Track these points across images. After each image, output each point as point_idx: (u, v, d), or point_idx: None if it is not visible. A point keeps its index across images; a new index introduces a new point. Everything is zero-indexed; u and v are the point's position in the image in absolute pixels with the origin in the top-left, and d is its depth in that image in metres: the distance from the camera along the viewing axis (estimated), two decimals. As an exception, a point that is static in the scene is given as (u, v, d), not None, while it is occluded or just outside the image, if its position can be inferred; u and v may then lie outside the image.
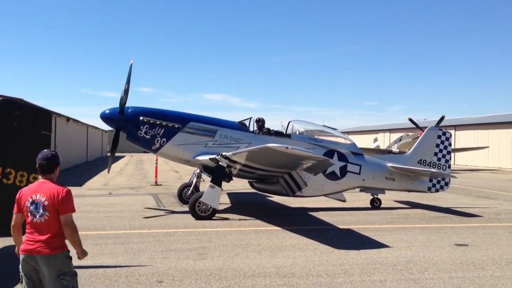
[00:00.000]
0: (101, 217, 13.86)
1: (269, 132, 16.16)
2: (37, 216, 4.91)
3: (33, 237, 4.93)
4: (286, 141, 15.09)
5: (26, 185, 8.07)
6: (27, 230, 5.00)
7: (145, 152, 18.67)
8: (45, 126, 8.76)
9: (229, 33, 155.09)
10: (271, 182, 15.22)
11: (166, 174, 31.91)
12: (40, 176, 5.17)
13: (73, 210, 5.12)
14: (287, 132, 16.16)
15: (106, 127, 62.35)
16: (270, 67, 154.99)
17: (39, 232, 4.93)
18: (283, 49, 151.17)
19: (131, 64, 15.24)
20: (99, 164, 45.84)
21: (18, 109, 8.47)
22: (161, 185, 24.52)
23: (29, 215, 4.93)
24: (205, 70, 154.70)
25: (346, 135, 19.94)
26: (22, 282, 5.05)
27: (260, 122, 16.06)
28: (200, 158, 14.86)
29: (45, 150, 5.35)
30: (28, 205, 4.93)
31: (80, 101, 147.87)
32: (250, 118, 16.23)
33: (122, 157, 62.26)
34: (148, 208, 16.07)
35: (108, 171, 17.04)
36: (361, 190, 17.18)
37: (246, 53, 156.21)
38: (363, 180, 16.46)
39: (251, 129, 15.98)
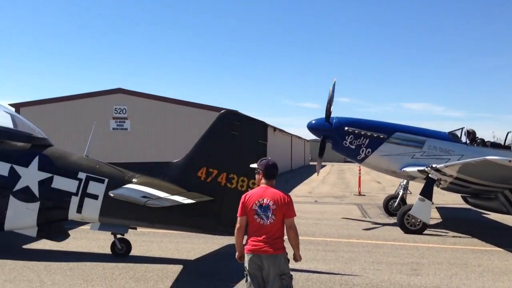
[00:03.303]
0: (310, 223, 14.36)
1: (484, 144, 14.92)
2: (265, 219, 5.32)
3: (259, 238, 5.33)
4: (507, 154, 13.69)
5: (246, 190, 8.81)
6: (253, 232, 5.41)
7: (346, 161, 18.89)
8: (261, 135, 9.46)
9: (434, 36, 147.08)
10: (488, 197, 13.92)
11: (368, 185, 31.64)
12: (263, 182, 5.57)
13: (295, 214, 5.49)
14: (506, 144, 14.70)
15: (308, 136, 63.91)
16: (480, 73, 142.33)
17: (265, 233, 5.32)
18: (497, 51, 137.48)
19: (334, 83, 15.60)
20: (302, 172, 47.67)
21: (238, 120, 9.32)
22: (364, 195, 24.41)
23: (256, 218, 5.35)
24: (405, 78, 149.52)
25: None
26: (247, 280, 5.50)
27: (471, 134, 14.96)
28: (408, 169, 14.41)
29: (268, 158, 5.84)
30: (256, 208, 5.35)
31: (282, 112, 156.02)
32: (462, 129, 15.26)
33: (324, 166, 63.76)
34: (353, 218, 16.14)
35: (317, 173, 17.69)
36: None
37: (452, 57, 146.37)
38: None
39: (463, 140, 14.97)
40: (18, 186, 9.34)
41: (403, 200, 16.37)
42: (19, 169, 9.41)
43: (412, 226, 13.06)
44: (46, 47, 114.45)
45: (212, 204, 8.92)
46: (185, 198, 8.61)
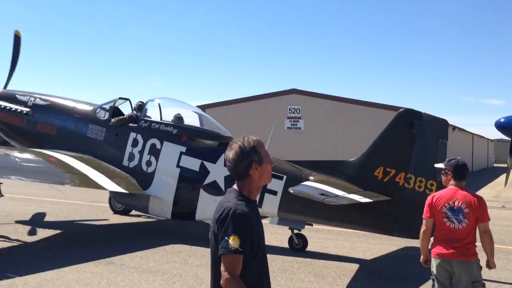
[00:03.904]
0: (498, 230, 13.08)
1: None
2: (456, 222, 5.00)
3: (449, 243, 5.03)
4: None
5: (424, 191, 8.44)
6: (441, 236, 5.12)
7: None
8: (442, 134, 8.94)
9: None
10: None
11: None
12: (452, 183, 5.24)
13: (489, 219, 5.08)
14: None
15: (493, 136, 58.31)
16: None
17: (455, 237, 5.01)
18: None
19: None
20: (485, 175, 43.77)
21: (418, 119, 8.94)
22: None
23: (446, 221, 5.06)
24: None
25: None
26: (434, 286, 5.24)
27: None
28: None
29: (457, 158, 5.46)
30: (446, 211, 5.06)
31: (462, 110, 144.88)
32: None
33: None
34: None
35: (505, 184, 15.98)
36: None
37: None
38: None
39: None
40: (207, 181, 10.25)
41: None
42: (208, 165, 10.33)
43: None
44: (229, 54, 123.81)
45: (389, 204, 8.71)
46: (361, 197, 8.56)
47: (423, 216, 5.27)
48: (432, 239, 5.29)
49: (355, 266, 8.86)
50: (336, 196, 8.48)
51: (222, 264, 2.91)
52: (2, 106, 12.80)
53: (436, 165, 5.68)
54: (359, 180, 9.07)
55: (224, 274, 2.88)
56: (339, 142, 31.86)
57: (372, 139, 9.42)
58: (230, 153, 3.12)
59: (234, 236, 2.88)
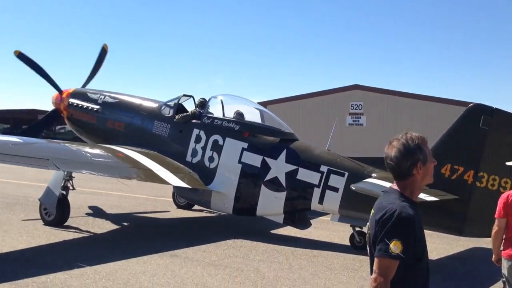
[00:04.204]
0: None
1: None
2: None
3: None
4: None
5: (498, 189, 8.07)
6: None
7: None
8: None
9: None
10: None
11: None
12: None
13: None
14: None
15: None
16: None
17: None
18: None
19: None
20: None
21: (490, 114, 8.55)
22: None
23: None
24: None
25: None
26: (505, 287, 5.03)
27: None
28: None
29: None
30: None
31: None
32: None
33: None
34: None
35: None
36: None
37: None
38: None
39: None
40: (268, 177, 10.28)
41: None
42: (269, 161, 10.36)
43: None
44: (289, 51, 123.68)
45: (457, 203, 8.40)
46: (427, 195, 8.29)
47: (496, 216, 5.08)
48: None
49: (420, 266, 8.60)
50: (400, 193, 8.26)
51: (376, 266, 2.74)
52: (75, 104, 13.48)
53: (508, 163, 5.42)
54: (425, 178, 8.79)
55: (377, 278, 2.71)
56: (403, 138, 31.05)
57: (439, 135, 9.11)
58: (391, 151, 2.89)
59: (396, 241, 2.67)
